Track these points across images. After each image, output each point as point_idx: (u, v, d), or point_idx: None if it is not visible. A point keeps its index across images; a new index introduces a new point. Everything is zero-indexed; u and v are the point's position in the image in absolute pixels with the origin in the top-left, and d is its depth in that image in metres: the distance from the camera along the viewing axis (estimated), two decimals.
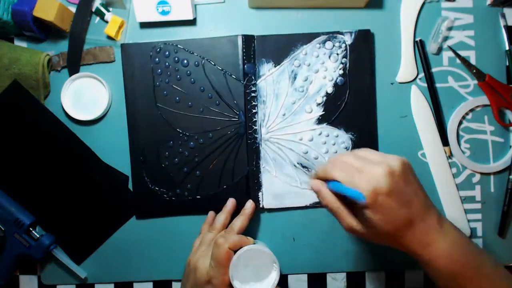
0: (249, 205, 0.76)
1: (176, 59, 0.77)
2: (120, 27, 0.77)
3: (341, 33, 0.77)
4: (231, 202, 0.77)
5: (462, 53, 0.78)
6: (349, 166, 0.56)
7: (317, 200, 0.78)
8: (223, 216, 0.75)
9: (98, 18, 0.79)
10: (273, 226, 0.80)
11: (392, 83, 0.79)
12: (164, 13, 0.76)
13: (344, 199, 0.58)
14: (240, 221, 0.73)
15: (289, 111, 0.77)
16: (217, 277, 0.66)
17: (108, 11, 0.77)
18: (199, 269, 0.68)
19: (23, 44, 0.79)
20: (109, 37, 0.78)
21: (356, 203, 0.54)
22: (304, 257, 0.80)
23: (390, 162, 0.54)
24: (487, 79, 0.77)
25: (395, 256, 0.79)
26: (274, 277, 0.68)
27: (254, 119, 0.77)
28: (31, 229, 0.77)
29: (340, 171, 0.56)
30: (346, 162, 0.57)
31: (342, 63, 0.77)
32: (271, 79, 0.77)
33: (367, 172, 0.54)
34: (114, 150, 0.79)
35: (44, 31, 0.78)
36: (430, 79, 0.78)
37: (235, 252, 0.67)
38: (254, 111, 0.77)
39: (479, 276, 0.57)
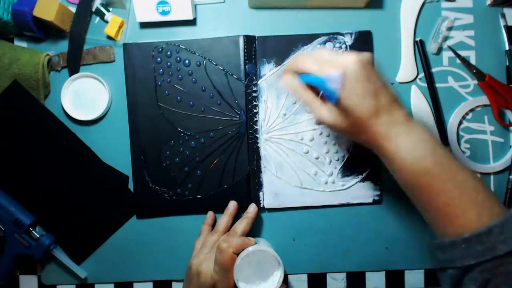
0: (252, 208, 0.75)
1: (178, 59, 0.77)
2: (120, 27, 0.77)
3: (342, 34, 0.77)
4: (232, 205, 0.76)
5: (462, 53, 0.78)
6: (320, 58, 0.59)
7: (317, 202, 0.78)
8: (225, 219, 0.75)
9: (98, 18, 0.78)
10: (273, 226, 0.80)
11: (392, 83, 0.79)
12: (164, 13, 0.76)
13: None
14: (242, 225, 0.73)
15: (290, 111, 0.77)
16: (222, 281, 0.66)
17: (108, 11, 0.77)
18: (203, 273, 0.68)
19: (23, 44, 0.79)
20: (109, 37, 0.78)
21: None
22: (304, 257, 0.80)
23: (360, 55, 0.57)
24: (487, 79, 0.77)
25: (395, 256, 0.79)
26: (278, 275, 0.68)
27: (255, 119, 0.77)
28: (31, 229, 0.77)
29: (312, 63, 0.59)
30: (317, 55, 0.60)
31: None
32: (272, 79, 0.77)
33: (338, 61, 0.57)
34: (114, 150, 0.79)
35: (44, 31, 0.78)
36: (430, 79, 0.78)
37: (238, 254, 0.67)
38: (255, 111, 0.77)
39: (450, 180, 0.56)
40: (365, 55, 0.57)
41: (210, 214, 0.78)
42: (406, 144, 0.57)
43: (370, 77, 0.57)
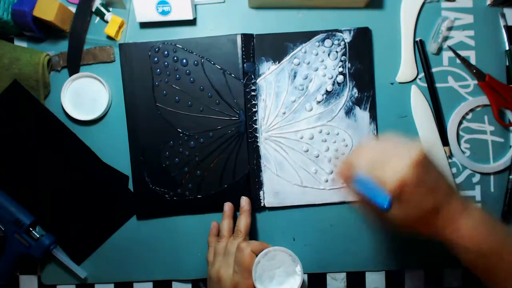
0: (244, 202, 0.75)
1: (175, 58, 0.77)
2: (120, 27, 0.77)
3: (340, 31, 0.77)
4: (227, 206, 0.76)
5: (462, 53, 0.78)
6: (374, 159, 0.57)
7: (317, 201, 0.78)
8: (226, 221, 0.75)
9: (98, 18, 0.79)
10: (273, 225, 0.80)
11: (392, 83, 0.79)
12: (164, 13, 0.76)
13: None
14: (243, 220, 0.73)
15: (289, 109, 0.77)
16: (242, 281, 0.66)
17: (108, 11, 0.77)
18: (223, 278, 0.68)
19: (23, 44, 0.79)
20: (109, 37, 0.78)
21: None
22: (304, 257, 0.79)
23: (412, 153, 0.55)
24: (487, 79, 0.77)
25: (395, 256, 0.79)
26: (298, 279, 0.67)
27: (255, 118, 0.77)
28: (31, 229, 0.77)
29: (366, 164, 0.57)
30: (370, 155, 0.58)
31: (341, 60, 0.77)
32: (271, 77, 0.77)
33: (392, 164, 0.55)
34: (114, 150, 0.79)
35: (44, 31, 0.78)
36: (430, 79, 0.78)
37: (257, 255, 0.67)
38: (254, 110, 0.77)
39: (509, 254, 0.56)
40: (419, 151, 0.55)
41: (214, 224, 0.78)
42: (466, 232, 0.56)
43: (426, 177, 0.55)
